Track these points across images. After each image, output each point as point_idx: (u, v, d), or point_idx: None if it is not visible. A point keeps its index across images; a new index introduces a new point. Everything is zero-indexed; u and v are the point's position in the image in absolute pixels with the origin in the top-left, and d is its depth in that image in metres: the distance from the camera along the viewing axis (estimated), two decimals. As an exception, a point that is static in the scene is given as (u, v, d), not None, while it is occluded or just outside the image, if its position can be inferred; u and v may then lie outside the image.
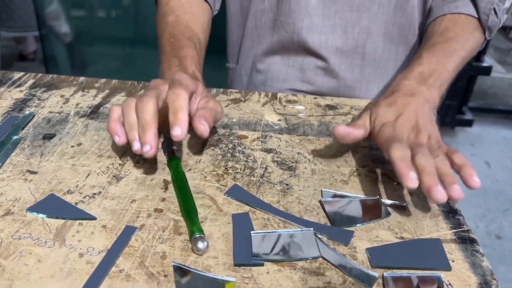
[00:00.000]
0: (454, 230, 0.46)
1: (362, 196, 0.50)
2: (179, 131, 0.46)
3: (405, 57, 0.80)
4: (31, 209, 0.45)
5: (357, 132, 0.53)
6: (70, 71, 1.91)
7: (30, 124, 0.59)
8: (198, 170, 0.53)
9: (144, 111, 0.47)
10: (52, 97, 0.66)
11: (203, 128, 0.48)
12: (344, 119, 0.66)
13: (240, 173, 0.53)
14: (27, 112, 0.61)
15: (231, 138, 0.59)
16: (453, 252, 0.43)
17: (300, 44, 0.77)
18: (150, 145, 0.45)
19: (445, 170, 0.45)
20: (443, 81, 0.60)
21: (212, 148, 0.57)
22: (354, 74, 0.80)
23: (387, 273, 0.40)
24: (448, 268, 0.41)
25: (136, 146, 0.46)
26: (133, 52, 1.83)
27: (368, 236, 0.45)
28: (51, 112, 0.62)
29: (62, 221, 0.44)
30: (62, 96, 0.67)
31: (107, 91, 0.69)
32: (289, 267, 0.40)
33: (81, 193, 0.48)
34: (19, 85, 0.69)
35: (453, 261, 0.42)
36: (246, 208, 0.47)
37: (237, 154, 0.56)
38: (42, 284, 0.37)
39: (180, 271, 0.39)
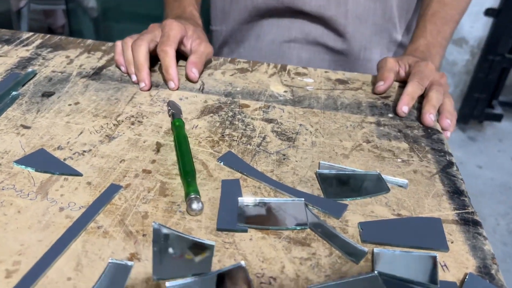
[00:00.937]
0: (458, 211, 0.43)
1: (361, 170, 0.47)
2: (172, 85, 0.59)
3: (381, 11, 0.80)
4: (19, 161, 0.44)
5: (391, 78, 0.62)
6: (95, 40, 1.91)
7: (31, 81, 0.59)
8: (194, 135, 0.51)
9: (137, 53, 0.57)
10: (57, 57, 0.66)
11: (193, 76, 0.61)
12: (354, 94, 0.63)
13: (236, 140, 0.51)
14: (29, 70, 0.61)
15: (232, 106, 0.57)
16: (453, 233, 0.40)
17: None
18: (144, 82, 0.58)
19: (447, 107, 0.59)
20: (442, 48, 0.72)
21: (211, 114, 0.55)
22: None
23: (378, 249, 0.38)
24: (445, 248, 0.38)
25: (133, 79, 0.59)
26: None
27: (362, 211, 0.42)
28: (53, 72, 0.61)
29: (48, 175, 0.43)
30: (67, 57, 0.66)
31: (112, 54, 0.68)
32: (274, 236, 0.38)
33: (71, 149, 0.47)
34: (26, 45, 0.68)
35: (452, 242, 0.39)
36: (238, 175, 0.45)
37: (236, 122, 0.54)
38: (18, 234, 0.36)
39: (160, 231, 0.37)
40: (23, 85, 0.57)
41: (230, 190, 0.43)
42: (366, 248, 0.38)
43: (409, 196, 0.44)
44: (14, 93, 0.55)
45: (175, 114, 0.52)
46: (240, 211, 0.40)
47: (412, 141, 0.53)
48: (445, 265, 0.37)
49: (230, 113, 0.56)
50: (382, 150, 0.51)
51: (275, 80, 0.65)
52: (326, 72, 0.69)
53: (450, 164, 0.49)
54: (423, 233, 0.40)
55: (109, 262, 0.34)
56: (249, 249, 0.37)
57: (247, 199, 0.41)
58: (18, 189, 0.41)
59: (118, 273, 0.34)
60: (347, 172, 0.46)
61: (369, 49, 0.82)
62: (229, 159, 0.47)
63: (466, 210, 0.43)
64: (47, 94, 0.56)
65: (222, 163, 0.46)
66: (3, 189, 0.41)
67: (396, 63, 0.65)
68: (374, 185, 0.45)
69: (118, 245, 0.36)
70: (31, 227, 0.37)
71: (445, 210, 0.43)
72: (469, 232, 0.40)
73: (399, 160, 0.50)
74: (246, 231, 0.38)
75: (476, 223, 0.41)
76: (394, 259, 0.37)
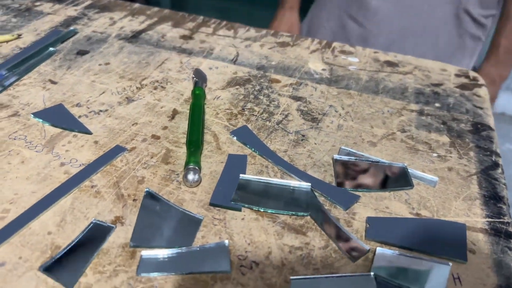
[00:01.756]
0: (490, 219, 0.37)
1: (386, 161, 0.42)
2: None
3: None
4: (36, 114, 0.45)
5: None
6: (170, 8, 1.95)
7: (71, 39, 0.60)
8: (213, 105, 0.49)
9: None
10: (102, 18, 0.66)
11: None
12: (401, 79, 0.57)
13: (256, 115, 0.48)
14: (70, 28, 0.62)
15: (261, 80, 0.54)
16: (478, 243, 0.34)
17: None
18: None
19: None
20: None
21: (237, 87, 0.52)
22: None
23: (382, 248, 0.33)
24: (463, 259, 0.33)
25: None
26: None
27: (376, 205, 0.37)
28: (94, 32, 0.62)
29: (59, 130, 0.43)
30: (111, 18, 0.66)
31: (155, 19, 0.67)
32: (268, 219, 0.35)
33: (88, 108, 0.47)
34: (76, 4, 0.70)
35: (473, 253, 0.34)
36: (248, 151, 0.42)
37: (261, 97, 0.51)
38: (15, 184, 0.37)
39: (150, 197, 0.36)
40: (62, 42, 0.59)
41: (235, 165, 0.40)
42: (369, 246, 0.34)
43: (435, 195, 0.39)
44: (51, 49, 0.56)
45: (197, 82, 0.50)
46: (238, 188, 0.37)
47: (455, 135, 0.47)
48: (458, 278, 0.32)
49: (257, 87, 0.53)
50: (418, 142, 0.45)
51: (315, 57, 0.60)
52: (375, 52, 0.63)
53: (495, 165, 0.43)
54: (441, 238, 0.34)
55: (91, 222, 0.34)
56: (237, 229, 0.34)
57: (248, 177, 0.38)
58: (28, 140, 0.41)
59: (97, 234, 0.33)
60: (368, 161, 0.42)
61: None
62: (242, 134, 0.44)
63: (501, 220, 0.37)
64: (81, 53, 0.57)
65: (234, 137, 0.44)
66: (14, 139, 0.42)
67: None
68: (396, 179, 0.40)
69: (106, 206, 0.35)
70: (29, 178, 0.37)
71: (475, 216, 0.37)
72: (498, 244, 0.34)
73: (434, 155, 0.44)
74: (239, 210, 0.36)
75: (510, 236, 0.35)
76: (398, 263, 0.32)
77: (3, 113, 0.45)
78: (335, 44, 0.64)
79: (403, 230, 0.35)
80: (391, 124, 0.48)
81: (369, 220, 0.36)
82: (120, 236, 0.33)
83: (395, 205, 0.38)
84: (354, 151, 0.43)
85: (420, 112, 0.50)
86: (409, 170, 0.41)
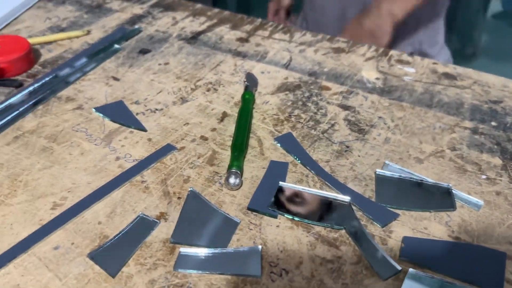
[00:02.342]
0: (536, 251, 0.35)
1: (431, 180, 0.41)
2: None
3: None
4: (98, 109, 0.48)
5: None
6: (235, 9, 2.00)
7: (134, 38, 0.63)
8: (261, 110, 0.50)
9: None
10: (165, 17, 0.69)
11: None
12: (458, 93, 0.55)
13: (302, 123, 0.48)
14: (135, 27, 0.65)
15: (311, 86, 0.55)
16: (519, 275, 0.33)
17: None
18: None
19: None
20: None
21: (286, 92, 0.53)
22: None
23: (414, 270, 0.33)
24: (499, 290, 0.32)
25: None
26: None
27: (414, 225, 0.37)
28: (157, 31, 0.65)
29: (117, 125, 0.47)
30: (173, 18, 0.69)
31: (215, 20, 0.69)
32: (303, 228, 0.36)
33: (146, 106, 0.50)
34: (143, 3, 0.74)
35: (511, 284, 0.33)
36: (290, 159, 0.43)
37: (309, 104, 0.51)
38: (74, 174, 0.40)
39: (193, 197, 0.38)
40: (126, 40, 0.62)
41: (276, 172, 0.41)
42: (401, 266, 0.33)
43: (479, 220, 0.38)
44: (116, 46, 0.60)
45: (248, 86, 0.52)
46: (276, 195, 0.38)
47: (509, 157, 0.45)
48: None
49: (307, 94, 0.53)
50: (467, 162, 0.44)
51: (370, 64, 0.60)
52: (434, 63, 0.61)
53: (549, 193, 0.41)
54: (477, 265, 0.34)
55: (138, 216, 0.36)
56: (272, 236, 0.36)
57: (287, 185, 0.39)
58: (89, 133, 0.45)
59: (142, 228, 0.35)
60: (412, 179, 0.41)
61: None
62: (286, 141, 0.45)
63: (548, 253, 0.35)
64: (144, 51, 0.60)
65: (278, 144, 0.45)
66: (77, 131, 0.45)
67: None
68: (439, 199, 0.39)
69: (153, 202, 0.38)
70: (86, 170, 0.41)
71: (519, 247, 0.36)
72: (541, 279, 0.33)
73: (483, 177, 0.42)
74: (275, 217, 0.37)
75: (556, 271, 0.34)
76: (429, 286, 0.32)
77: (69, 106, 0.49)
78: (392, 52, 0.63)
79: (439, 253, 0.35)
80: (441, 141, 0.47)
81: (405, 240, 0.35)
82: (162, 232, 0.35)
83: (434, 226, 0.37)
84: (398, 167, 0.43)
85: (474, 130, 0.49)
86: (453, 191, 0.40)
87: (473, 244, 0.36)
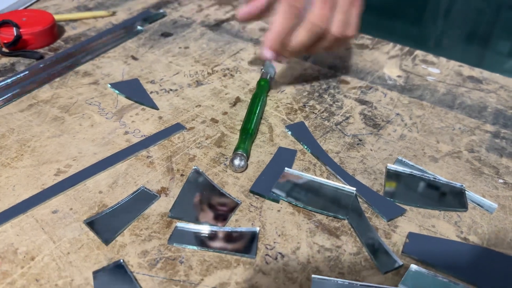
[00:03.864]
0: (550, 260, 0.33)
1: (444, 179, 0.40)
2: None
3: None
4: (113, 85, 0.49)
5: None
6: None
7: (158, 21, 0.64)
8: (275, 98, 0.49)
9: None
10: (191, 4, 0.70)
11: (266, 55, 0.44)
12: (482, 96, 0.53)
13: (316, 113, 0.47)
14: (160, 11, 0.66)
15: (330, 79, 0.53)
16: (529, 282, 0.31)
17: None
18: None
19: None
20: None
21: (303, 83, 0.52)
22: None
23: (416, 266, 0.31)
24: (507, 296, 0.30)
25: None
26: None
27: (421, 222, 0.36)
28: (181, 16, 0.66)
29: (131, 102, 0.47)
30: (199, 5, 0.70)
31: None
32: (304, 215, 0.35)
33: (161, 85, 0.50)
34: (170, -10, 0.74)
35: (520, 292, 0.31)
36: (299, 147, 0.42)
37: (325, 96, 0.50)
38: (81, 143, 0.41)
39: (196, 175, 0.38)
40: (150, 23, 0.63)
41: (283, 158, 0.41)
42: (403, 261, 0.32)
43: (490, 223, 0.36)
44: (139, 28, 0.61)
45: (264, 73, 0.51)
46: (280, 180, 0.37)
47: (531, 164, 0.43)
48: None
49: (324, 86, 0.52)
50: (484, 165, 0.42)
51: (393, 62, 0.58)
52: (460, 66, 0.59)
53: None
54: (485, 269, 0.32)
55: (139, 188, 0.36)
56: (271, 219, 0.35)
57: (293, 171, 0.38)
58: (101, 107, 0.45)
59: (142, 200, 0.35)
60: (424, 176, 0.40)
61: None
62: (297, 129, 0.44)
63: None
64: (165, 35, 0.60)
65: (288, 132, 0.44)
66: (90, 104, 0.46)
67: None
68: (450, 199, 0.37)
69: (156, 177, 0.38)
70: (94, 141, 0.41)
71: (533, 254, 0.33)
72: (553, 288, 0.31)
73: (500, 181, 0.40)
74: (277, 201, 0.36)
75: None
76: (430, 284, 0.30)
77: (85, 80, 0.50)
78: (417, 52, 0.61)
79: (445, 252, 0.33)
80: (459, 142, 0.45)
81: (410, 235, 0.34)
82: (161, 206, 0.35)
83: (442, 225, 0.35)
84: (411, 163, 0.41)
85: (495, 134, 0.46)
86: (466, 192, 0.38)
87: (482, 247, 0.34)
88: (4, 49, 0.53)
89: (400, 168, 0.40)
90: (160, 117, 0.45)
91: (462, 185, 0.39)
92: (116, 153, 0.39)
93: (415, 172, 0.40)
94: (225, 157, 0.40)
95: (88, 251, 0.31)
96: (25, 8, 0.65)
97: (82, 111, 0.45)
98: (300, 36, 0.42)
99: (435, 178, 0.39)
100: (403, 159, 0.42)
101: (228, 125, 0.45)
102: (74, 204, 0.35)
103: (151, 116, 0.45)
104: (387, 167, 0.40)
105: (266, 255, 0.32)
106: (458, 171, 0.41)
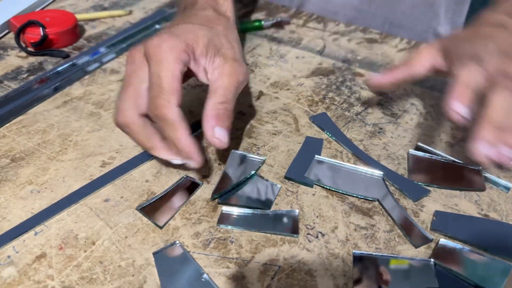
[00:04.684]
0: None
1: (461, 161, 0.43)
2: (193, 164, 0.35)
3: None
4: (141, 81, 0.51)
5: (406, 72, 0.42)
6: None
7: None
8: (296, 91, 0.52)
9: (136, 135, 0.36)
10: (202, 3, 0.72)
11: (217, 142, 0.35)
12: (488, 86, 0.56)
13: (336, 105, 0.50)
14: (175, 9, 0.68)
15: (345, 72, 0.56)
16: (547, 252, 0.34)
17: None
18: (193, 160, 0.35)
19: None
20: None
21: (320, 76, 0.55)
22: None
23: (445, 240, 0.34)
24: (528, 264, 0.33)
25: (175, 162, 0.37)
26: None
27: (445, 201, 0.39)
28: (195, 15, 0.67)
29: (160, 97, 0.49)
30: (210, 4, 0.72)
31: (250, 8, 0.71)
32: (338, 198, 0.38)
33: (188, 83, 0.52)
34: (181, -11, 0.76)
35: (540, 261, 0.34)
36: (324, 137, 0.45)
37: (343, 88, 0.53)
38: (120, 137, 0.43)
39: (235, 160, 0.40)
40: (166, 21, 0.65)
41: (311, 147, 0.43)
42: (433, 236, 0.35)
43: (507, 201, 0.39)
44: (157, 26, 0.63)
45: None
46: (312, 166, 0.40)
47: (539, 147, 0.46)
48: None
49: (340, 79, 0.55)
50: (497, 149, 0.45)
51: (403, 55, 0.61)
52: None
53: None
54: (507, 241, 0.35)
55: (183, 177, 0.38)
56: (308, 202, 0.37)
57: (323, 158, 0.41)
58: (134, 103, 0.47)
59: (187, 188, 0.37)
60: (442, 160, 0.42)
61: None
62: (321, 120, 0.47)
63: None
64: (183, 32, 0.62)
65: (313, 122, 0.47)
66: (122, 100, 0.48)
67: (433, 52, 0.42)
68: (468, 180, 0.40)
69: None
70: (133, 134, 0.43)
71: (548, 227, 0.37)
72: None
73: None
74: (311, 186, 0.39)
75: None
76: (459, 255, 0.33)
77: (113, 77, 0.52)
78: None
79: (470, 227, 0.36)
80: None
81: (437, 213, 0.37)
82: (205, 192, 0.37)
83: (464, 204, 0.38)
84: (430, 148, 0.44)
85: (505, 121, 0.50)
86: (483, 174, 0.41)
87: (500, 221, 0.37)
88: (30, 49, 0.55)
89: (420, 153, 0.43)
90: (191, 111, 0.47)
91: (479, 167, 0.42)
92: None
93: (434, 157, 0.43)
94: (257, 147, 0.43)
95: (145, 235, 0.33)
96: (42, 8, 0.66)
97: (116, 107, 0.47)
98: None
99: (454, 161, 0.42)
100: (424, 145, 0.44)
101: (255, 117, 0.47)
102: (124, 193, 0.37)
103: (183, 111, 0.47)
104: (409, 152, 0.43)
105: (308, 234, 0.35)
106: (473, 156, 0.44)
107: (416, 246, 0.34)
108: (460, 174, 0.41)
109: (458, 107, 0.33)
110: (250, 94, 0.51)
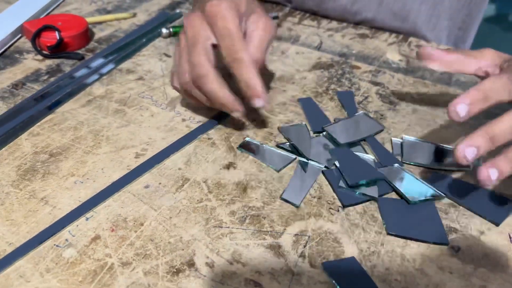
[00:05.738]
0: (548, 197, 0.42)
1: (449, 146, 0.47)
2: (261, 103, 0.42)
3: None
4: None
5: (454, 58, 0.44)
6: None
7: (177, 21, 0.69)
8: (300, 84, 0.56)
9: (205, 84, 0.41)
10: (201, 4, 0.75)
11: (260, 103, 0.41)
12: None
13: (339, 95, 0.55)
14: (177, 11, 0.71)
15: (343, 65, 0.61)
16: (536, 214, 0.40)
17: None
18: (238, 111, 0.43)
19: None
20: None
21: (321, 70, 0.60)
22: None
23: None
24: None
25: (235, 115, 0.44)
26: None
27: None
28: (196, 15, 0.71)
29: (178, 94, 0.52)
30: (209, 5, 0.75)
31: (247, 7, 0.75)
32: (352, 176, 0.42)
33: (198, 78, 0.56)
34: (179, -9, 0.79)
35: (530, 221, 0.39)
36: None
37: (343, 80, 0.58)
38: (148, 130, 0.46)
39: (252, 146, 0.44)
40: (170, 23, 0.68)
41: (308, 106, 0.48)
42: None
43: (499, 173, 0.44)
44: (164, 30, 0.66)
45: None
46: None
47: (521, 126, 0.51)
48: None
49: (340, 71, 0.59)
50: (485, 129, 0.51)
51: (393, 48, 0.66)
52: (448, 49, 0.67)
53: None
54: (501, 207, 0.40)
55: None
56: (326, 181, 0.42)
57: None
58: (154, 100, 0.51)
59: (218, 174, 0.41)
60: (433, 143, 0.47)
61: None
62: (345, 96, 0.52)
63: (559, 198, 0.42)
64: (188, 33, 0.66)
65: (339, 98, 0.52)
66: (143, 97, 0.51)
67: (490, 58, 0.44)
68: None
69: (221, 154, 0.44)
70: (159, 128, 0.47)
71: (535, 193, 0.42)
72: (554, 217, 0.40)
73: (500, 140, 0.49)
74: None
75: None
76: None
77: (131, 77, 0.55)
78: (411, 39, 0.69)
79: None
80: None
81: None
82: (234, 176, 0.41)
83: (461, 177, 0.44)
84: (417, 139, 0.49)
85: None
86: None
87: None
88: (45, 52, 0.58)
89: (413, 138, 0.48)
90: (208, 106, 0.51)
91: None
92: (183, 137, 0.45)
93: (424, 142, 0.48)
94: (273, 135, 0.47)
95: (186, 215, 0.37)
96: (48, 13, 0.69)
97: (138, 104, 0.50)
98: None
99: (442, 146, 0.47)
100: (408, 137, 0.49)
101: (267, 109, 0.51)
102: (161, 180, 0.40)
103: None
104: (403, 138, 0.48)
105: (330, 208, 0.39)
106: (467, 133, 0.50)
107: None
108: (449, 156, 0.46)
109: (459, 106, 0.36)
110: (259, 88, 0.55)
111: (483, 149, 0.35)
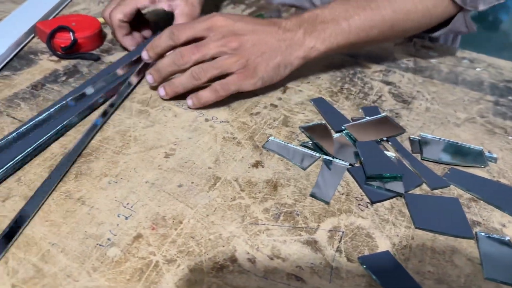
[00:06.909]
0: (561, 191, 0.44)
1: (464, 143, 0.49)
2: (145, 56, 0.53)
3: None
4: (177, 80, 0.55)
5: None
6: None
7: (187, 21, 0.69)
8: (315, 84, 0.58)
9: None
10: (206, 6, 0.76)
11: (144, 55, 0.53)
12: (477, 73, 0.64)
13: (353, 94, 0.56)
14: (187, 12, 0.72)
15: (354, 65, 0.62)
16: (551, 207, 0.42)
17: None
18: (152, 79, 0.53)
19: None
20: (336, 33, 0.52)
21: (334, 70, 0.61)
22: None
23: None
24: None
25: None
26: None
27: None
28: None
29: (197, 94, 0.53)
30: (216, 6, 0.76)
31: (254, 8, 0.76)
32: (376, 173, 0.44)
33: (216, 78, 0.56)
34: None
35: (546, 214, 0.41)
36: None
37: (356, 80, 0.59)
38: (174, 131, 0.47)
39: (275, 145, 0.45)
40: (181, 23, 0.68)
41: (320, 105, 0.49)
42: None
43: (513, 168, 0.47)
44: (175, 28, 0.66)
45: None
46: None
47: (528, 123, 0.54)
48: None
49: (351, 71, 0.61)
50: (495, 126, 0.53)
51: (400, 49, 0.68)
52: (452, 49, 0.70)
53: None
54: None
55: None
56: (352, 178, 0.43)
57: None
58: (176, 100, 0.52)
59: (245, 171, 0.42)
60: (450, 142, 0.49)
61: None
62: (369, 111, 0.53)
63: None
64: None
65: (364, 113, 0.52)
66: (163, 99, 0.52)
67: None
68: (473, 158, 0.47)
69: (247, 153, 0.45)
70: (184, 128, 0.47)
71: (548, 187, 0.44)
72: None
73: (510, 137, 0.51)
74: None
75: None
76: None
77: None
78: (416, 39, 0.71)
79: (480, 185, 0.43)
80: (471, 110, 0.56)
81: (451, 170, 0.44)
82: (263, 175, 0.42)
83: (478, 172, 0.46)
84: (434, 137, 0.51)
85: (496, 103, 0.58)
86: (485, 153, 0.48)
87: (510, 186, 0.44)
88: (59, 53, 0.57)
89: (430, 136, 0.50)
90: (229, 106, 0.52)
91: (480, 148, 0.49)
92: (208, 138, 0.46)
93: (441, 139, 0.50)
94: (295, 134, 0.48)
95: (222, 213, 0.38)
96: (56, 14, 0.69)
97: (160, 104, 0.51)
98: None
99: (457, 143, 0.49)
100: (427, 135, 0.51)
101: (286, 108, 0.52)
102: (193, 179, 0.41)
103: (222, 105, 0.52)
104: (421, 135, 0.50)
105: (359, 204, 0.40)
106: (477, 132, 0.52)
107: (432, 188, 0.41)
108: (464, 153, 0.48)
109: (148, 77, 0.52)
110: (276, 88, 0.56)
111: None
